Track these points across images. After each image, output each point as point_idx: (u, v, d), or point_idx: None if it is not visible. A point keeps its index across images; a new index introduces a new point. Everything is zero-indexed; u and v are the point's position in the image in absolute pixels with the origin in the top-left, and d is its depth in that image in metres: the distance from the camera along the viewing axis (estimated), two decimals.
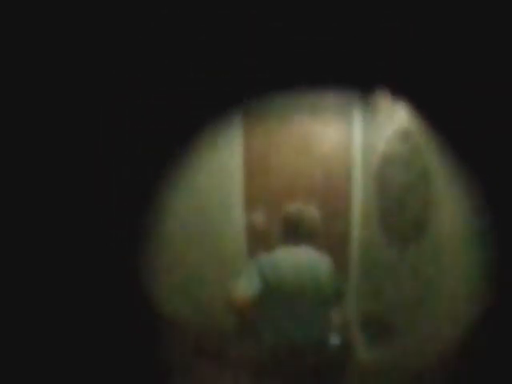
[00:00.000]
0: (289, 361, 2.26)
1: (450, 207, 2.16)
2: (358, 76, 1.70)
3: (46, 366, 1.65)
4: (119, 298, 1.81)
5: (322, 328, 2.30)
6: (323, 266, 2.34)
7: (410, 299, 2.53)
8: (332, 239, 3.24)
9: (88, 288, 1.70)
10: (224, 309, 2.80)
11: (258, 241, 3.31)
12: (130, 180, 1.81)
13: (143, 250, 2.17)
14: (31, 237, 1.62)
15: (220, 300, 3.03)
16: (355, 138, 3.42)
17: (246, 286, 2.19)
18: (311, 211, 2.43)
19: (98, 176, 1.71)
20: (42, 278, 1.64)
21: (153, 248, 2.96)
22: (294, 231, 2.37)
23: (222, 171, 3.26)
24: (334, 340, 2.37)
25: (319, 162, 3.44)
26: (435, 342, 2.12)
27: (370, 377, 2.42)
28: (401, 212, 2.68)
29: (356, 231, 3.42)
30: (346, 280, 2.68)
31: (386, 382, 2.32)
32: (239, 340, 2.48)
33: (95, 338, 1.71)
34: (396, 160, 2.74)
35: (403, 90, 1.71)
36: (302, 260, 2.34)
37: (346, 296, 2.51)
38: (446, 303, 2.15)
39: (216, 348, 2.67)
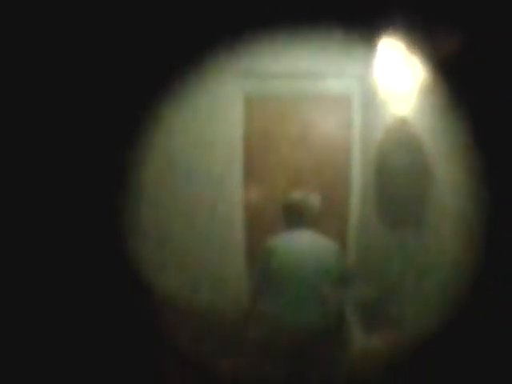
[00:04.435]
0: (290, 343, 2.28)
1: (449, 192, 2.17)
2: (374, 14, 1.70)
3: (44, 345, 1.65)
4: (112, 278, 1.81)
5: (326, 311, 2.33)
6: (330, 250, 2.38)
7: (407, 285, 2.55)
8: (330, 224, 3.26)
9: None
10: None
11: (255, 219, 3.34)
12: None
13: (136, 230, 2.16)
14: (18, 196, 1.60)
15: (215, 279, 3.07)
16: (355, 124, 3.42)
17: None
18: (313, 198, 2.52)
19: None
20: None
21: (149, 225, 2.99)
22: (298, 217, 2.43)
23: (221, 151, 3.28)
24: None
25: (319, 148, 3.44)
26: (430, 327, 2.14)
27: (366, 363, 2.44)
28: (399, 198, 2.69)
29: (354, 217, 3.43)
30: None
31: (382, 368, 2.35)
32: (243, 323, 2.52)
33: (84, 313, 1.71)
34: (395, 148, 2.74)
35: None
36: (309, 244, 2.38)
37: (352, 281, 2.54)
38: (443, 289, 2.16)
39: (216, 331, 2.69)
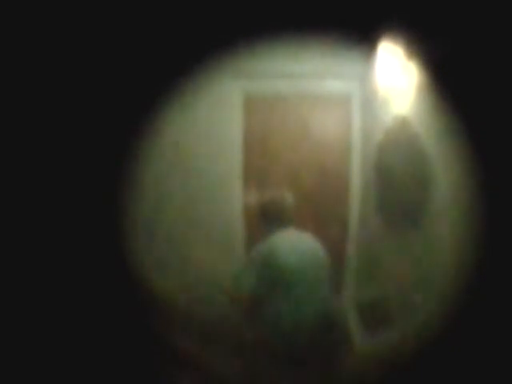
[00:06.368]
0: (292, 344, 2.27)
1: (449, 193, 2.17)
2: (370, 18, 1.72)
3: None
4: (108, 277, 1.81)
5: (328, 309, 2.34)
6: (319, 246, 2.40)
7: (408, 285, 2.55)
8: (330, 224, 3.27)
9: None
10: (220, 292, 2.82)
11: (255, 219, 3.33)
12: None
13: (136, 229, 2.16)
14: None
15: (215, 278, 3.06)
16: (354, 124, 3.43)
17: (247, 282, 2.25)
18: (288, 196, 2.55)
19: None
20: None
21: (149, 227, 3.00)
22: (279, 217, 2.45)
23: (221, 152, 3.28)
24: None
25: (319, 148, 3.45)
26: (432, 327, 2.14)
27: (369, 364, 2.45)
28: (399, 199, 2.69)
29: (354, 217, 3.44)
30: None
31: (384, 369, 2.35)
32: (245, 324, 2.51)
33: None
34: (395, 148, 2.75)
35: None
36: (303, 243, 2.39)
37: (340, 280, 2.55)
38: (443, 288, 2.17)
39: (217, 333, 2.69)
